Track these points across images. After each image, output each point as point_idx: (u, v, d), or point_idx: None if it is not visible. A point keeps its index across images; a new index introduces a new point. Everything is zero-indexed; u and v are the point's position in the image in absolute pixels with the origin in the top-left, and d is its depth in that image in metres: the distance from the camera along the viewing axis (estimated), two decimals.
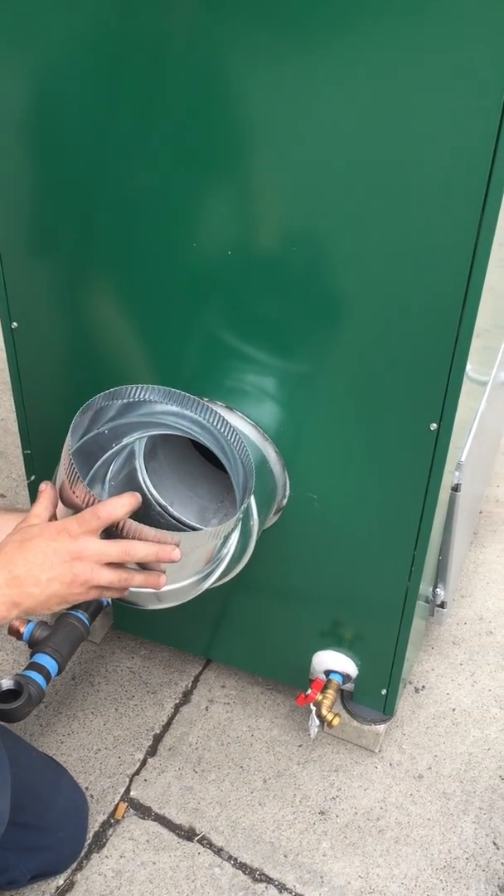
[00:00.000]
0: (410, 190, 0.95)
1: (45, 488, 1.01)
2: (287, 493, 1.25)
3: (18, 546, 0.94)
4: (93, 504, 0.96)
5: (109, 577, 0.95)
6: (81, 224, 1.16)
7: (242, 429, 1.19)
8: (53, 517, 1.01)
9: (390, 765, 1.49)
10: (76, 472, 0.97)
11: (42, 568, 0.93)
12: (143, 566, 0.98)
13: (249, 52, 0.96)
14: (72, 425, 1.03)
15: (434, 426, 1.09)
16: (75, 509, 0.98)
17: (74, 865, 1.32)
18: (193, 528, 1.22)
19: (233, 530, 1.10)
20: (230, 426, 1.11)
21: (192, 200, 1.08)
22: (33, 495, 1.49)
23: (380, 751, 1.50)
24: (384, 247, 1.00)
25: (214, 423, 1.12)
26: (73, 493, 0.98)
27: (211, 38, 0.96)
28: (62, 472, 1.02)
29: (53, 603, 0.95)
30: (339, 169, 0.98)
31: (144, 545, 0.95)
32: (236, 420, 1.20)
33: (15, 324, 1.29)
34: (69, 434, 1.02)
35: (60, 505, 1.02)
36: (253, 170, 1.03)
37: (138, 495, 0.96)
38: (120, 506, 0.94)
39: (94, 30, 1.01)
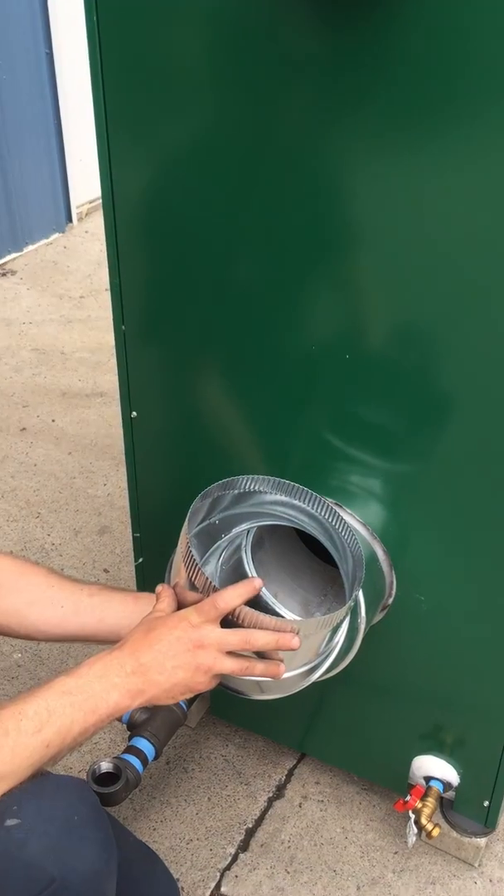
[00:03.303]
0: None
1: (164, 589, 1.05)
2: (394, 591, 1.24)
3: (144, 635, 0.97)
4: (210, 589, 0.98)
5: (231, 665, 0.97)
6: (200, 319, 1.21)
7: (351, 525, 1.20)
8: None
9: (490, 881, 1.42)
10: (194, 558, 1.00)
11: (167, 656, 0.96)
12: (260, 655, 1.00)
13: (369, 158, 0.99)
14: (190, 511, 1.06)
15: None
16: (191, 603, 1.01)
17: None
18: None
19: (343, 620, 1.10)
20: (339, 517, 1.12)
21: (314, 303, 1.12)
22: (140, 577, 1.52)
23: (479, 865, 1.43)
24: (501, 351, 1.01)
25: (324, 514, 1.14)
26: (191, 578, 1.01)
27: (332, 144, 1.01)
28: (179, 557, 1.05)
29: (177, 692, 0.97)
30: (461, 275, 1.00)
31: (264, 634, 0.97)
32: (345, 517, 1.21)
33: (134, 413, 1.35)
34: (187, 520, 1.05)
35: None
36: (376, 274, 1.06)
37: (255, 583, 0.98)
38: (237, 595, 0.96)
39: (219, 133, 1.07)
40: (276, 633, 0.97)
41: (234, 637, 0.97)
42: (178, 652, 0.96)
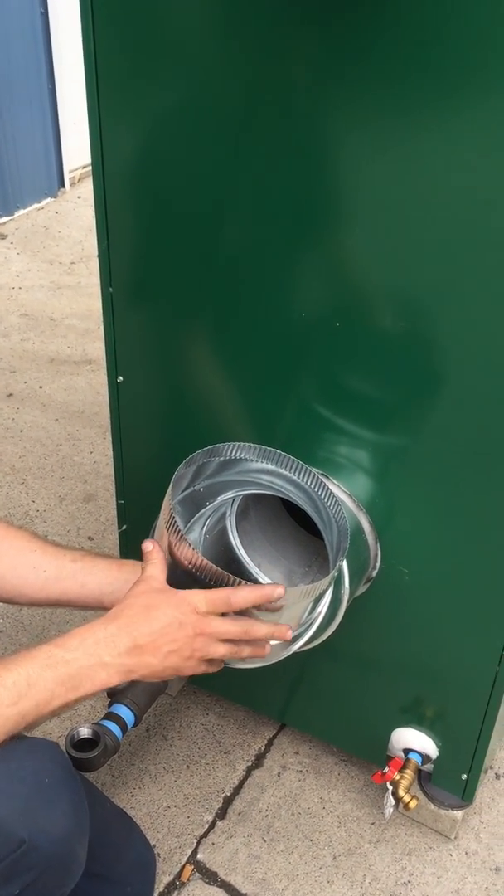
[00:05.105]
0: None
1: (153, 549, 1.02)
2: (378, 564, 1.23)
3: (144, 612, 0.95)
4: (195, 561, 0.97)
5: (223, 651, 0.97)
6: (189, 284, 1.19)
7: (337, 496, 1.19)
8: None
9: (466, 854, 1.43)
10: (177, 525, 0.99)
11: (165, 639, 0.94)
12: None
13: (364, 124, 0.97)
14: (174, 478, 1.05)
15: None
16: (177, 563, 1.00)
17: None
18: None
19: (326, 590, 1.09)
20: (325, 486, 1.11)
21: (304, 269, 1.10)
22: (124, 545, 1.51)
23: (455, 838, 1.44)
24: (495, 326, 1.00)
25: (309, 483, 1.13)
26: (174, 547, 1.00)
27: (324, 110, 0.98)
28: (162, 523, 1.04)
29: (168, 674, 0.96)
30: (452, 245, 0.98)
31: (263, 626, 0.97)
32: (331, 487, 1.19)
33: (121, 378, 1.33)
34: (171, 487, 1.04)
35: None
36: (367, 242, 1.04)
37: (276, 591, 0.96)
38: (253, 597, 0.96)
39: (210, 96, 1.05)
40: (274, 626, 0.98)
41: (234, 628, 0.97)
42: (177, 637, 0.94)
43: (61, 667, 0.90)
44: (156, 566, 1.01)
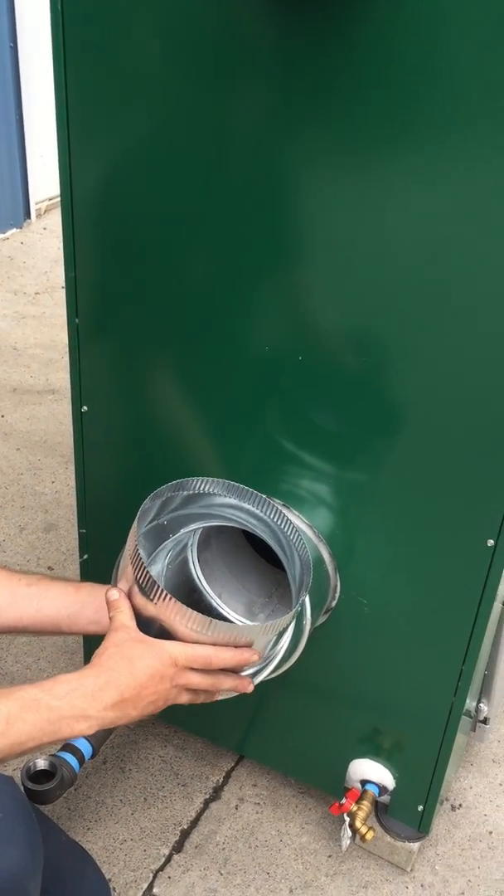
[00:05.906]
0: (478, 304, 0.98)
1: (120, 597, 1.03)
2: (337, 594, 1.25)
3: (128, 665, 0.96)
4: (157, 591, 0.98)
5: (186, 699, 1.01)
6: (154, 317, 1.21)
7: (298, 527, 1.21)
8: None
9: (422, 886, 1.43)
10: (141, 558, 1.00)
11: (147, 691, 0.96)
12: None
13: (325, 164, 1.01)
14: (140, 511, 1.06)
15: (491, 542, 1.09)
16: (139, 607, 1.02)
17: None
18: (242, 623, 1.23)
19: (288, 626, 1.11)
20: (289, 521, 1.13)
21: (268, 303, 1.12)
22: (85, 574, 1.51)
23: (412, 870, 1.45)
24: (454, 363, 1.03)
25: (273, 518, 1.14)
26: (138, 578, 1.01)
27: (289, 150, 1.02)
28: (127, 557, 1.05)
29: (138, 720, 0.99)
30: (412, 286, 1.02)
31: (230, 679, 1.02)
32: (293, 518, 1.21)
33: (85, 407, 1.34)
34: (137, 519, 1.05)
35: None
36: (330, 280, 1.08)
37: (254, 657, 1.02)
38: (232, 660, 1.00)
39: (178, 133, 1.08)
40: (239, 679, 1.03)
41: (206, 682, 1.01)
42: (157, 690, 0.97)
43: (44, 712, 0.90)
44: (125, 614, 1.02)
